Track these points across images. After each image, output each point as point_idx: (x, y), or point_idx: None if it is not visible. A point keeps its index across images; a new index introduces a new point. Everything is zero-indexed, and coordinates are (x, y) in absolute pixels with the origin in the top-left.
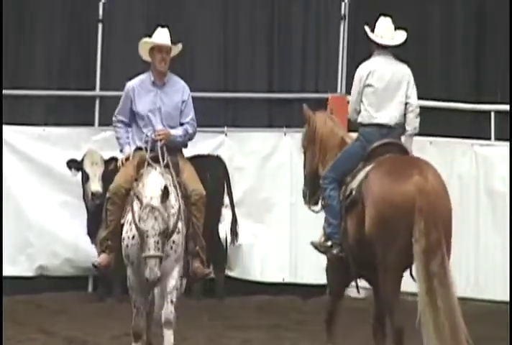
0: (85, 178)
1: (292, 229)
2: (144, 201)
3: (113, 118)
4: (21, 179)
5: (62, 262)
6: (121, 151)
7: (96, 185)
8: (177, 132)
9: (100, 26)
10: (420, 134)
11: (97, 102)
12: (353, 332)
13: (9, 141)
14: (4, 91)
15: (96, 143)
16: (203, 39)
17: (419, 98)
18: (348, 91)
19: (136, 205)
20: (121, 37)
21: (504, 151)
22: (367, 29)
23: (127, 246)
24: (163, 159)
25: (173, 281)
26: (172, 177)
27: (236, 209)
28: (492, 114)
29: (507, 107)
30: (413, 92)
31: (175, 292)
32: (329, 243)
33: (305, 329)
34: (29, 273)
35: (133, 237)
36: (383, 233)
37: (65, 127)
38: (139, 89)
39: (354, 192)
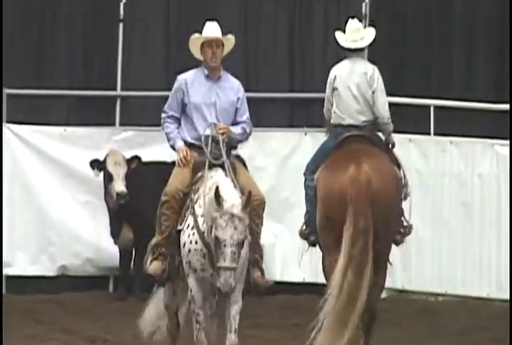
0: (109, 178)
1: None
2: (225, 207)
3: (163, 114)
4: (42, 179)
5: (83, 262)
6: (172, 147)
7: (120, 185)
8: (237, 130)
9: (121, 26)
10: (440, 133)
11: (118, 102)
12: (375, 333)
13: (30, 141)
14: (26, 91)
15: (117, 143)
16: None
17: (440, 97)
18: None
19: (198, 208)
20: (142, 36)
21: None
22: (337, 34)
23: (189, 251)
24: (224, 158)
25: (236, 306)
26: (232, 180)
27: None
28: (510, 113)
29: None
30: (379, 97)
31: (238, 318)
32: (307, 231)
33: None
34: (51, 273)
35: (196, 242)
36: (322, 219)
37: (86, 127)
38: (192, 81)
39: (314, 182)
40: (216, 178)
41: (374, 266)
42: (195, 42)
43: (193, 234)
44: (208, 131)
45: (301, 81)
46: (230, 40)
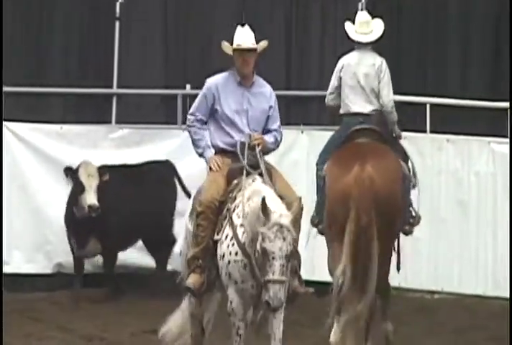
0: (80, 189)
1: (308, 226)
2: (272, 218)
3: (190, 117)
4: (38, 177)
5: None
6: (200, 155)
7: (92, 198)
8: (270, 139)
9: (117, 24)
10: (437, 131)
11: (114, 100)
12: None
13: (26, 138)
14: (22, 89)
15: (113, 141)
16: (221, 38)
17: (436, 95)
18: None
19: (236, 218)
20: (138, 34)
21: None
22: (347, 25)
23: (229, 262)
24: (260, 167)
25: (279, 315)
26: (272, 187)
27: None
28: (509, 111)
29: None
30: (385, 87)
31: (281, 327)
32: (317, 220)
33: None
34: (47, 270)
35: (236, 253)
36: (328, 216)
37: (83, 125)
38: (223, 87)
39: (324, 172)
40: (256, 186)
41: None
42: (226, 49)
43: (233, 245)
44: (243, 139)
45: (298, 79)
46: (262, 46)
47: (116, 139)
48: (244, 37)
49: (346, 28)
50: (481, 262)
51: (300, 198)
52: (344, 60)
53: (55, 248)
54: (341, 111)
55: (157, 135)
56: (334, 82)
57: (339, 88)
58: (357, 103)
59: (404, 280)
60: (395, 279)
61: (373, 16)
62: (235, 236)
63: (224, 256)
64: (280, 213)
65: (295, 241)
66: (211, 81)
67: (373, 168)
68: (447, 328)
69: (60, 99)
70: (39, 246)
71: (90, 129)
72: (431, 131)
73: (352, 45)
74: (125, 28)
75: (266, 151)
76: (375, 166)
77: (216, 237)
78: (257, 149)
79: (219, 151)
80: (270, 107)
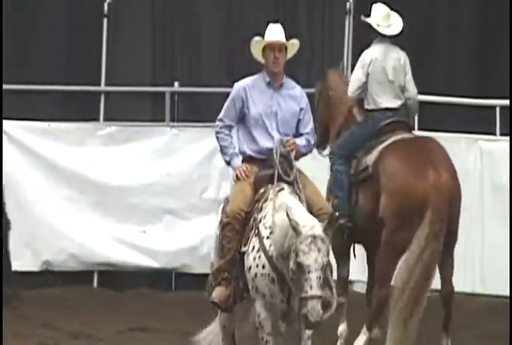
0: None
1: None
2: (303, 232)
3: (218, 123)
4: (25, 174)
5: (67, 257)
6: (228, 163)
7: None
8: (302, 142)
9: (105, 21)
10: (425, 129)
11: (102, 97)
12: (357, 329)
13: (14, 136)
14: (10, 86)
15: (101, 138)
16: (209, 35)
17: (424, 93)
18: None
19: (263, 230)
20: (126, 32)
21: (509, 145)
22: (368, 19)
23: (255, 275)
24: (290, 175)
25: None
26: (299, 195)
27: None
28: (498, 109)
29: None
30: (410, 81)
31: (310, 341)
32: (337, 213)
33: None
34: (35, 268)
35: (263, 267)
36: (397, 217)
37: (71, 122)
38: (251, 89)
39: (370, 169)
40: (283, 198)
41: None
42: (256, 46)
43: (259, 257)
44: (275, 146)
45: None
46: (295, 45)
47: (104, 137)
48: (275, 33)
49: (369, 21)
50: (468, 260)
51: (333, 213)
52: (370, 55)
53: (42, 245)
54: (369, 107)
55: (145, 133)
56: (361, 77)
57: (366, 83)
58: (386, 98)
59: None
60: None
61: (361, 11)
62: (262, 247)
63: (250, 268)
64: (310, 224)
65: (328, 257)
66: (240, 84)
67: (447, 173)
68: (436, 326)
69: (48, 96)
70: (26, 243)
71: (77, 127)
72: (419, 129)
73: (339, 44)
74: (113, 26)
75: (299, 156)
76: (447, 170)
77: (243, 249)
78: (291, 156)
79: (247, 158)
80: (301, 109)
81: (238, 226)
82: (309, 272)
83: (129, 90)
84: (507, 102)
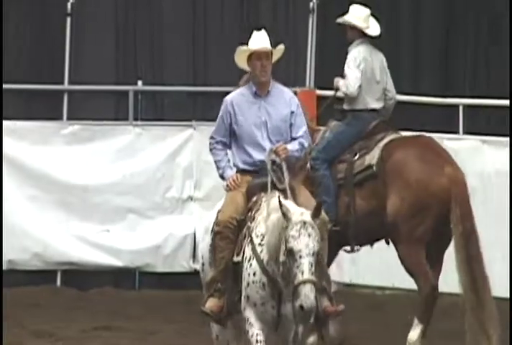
0: None
1: None
2: (293, 218)
3: (211, 140)
4: None
5: (31, 257)
6: (221, 176)
7: None
8: (294, 146)
9: (68, 20)
10: None
11: (65, 96)
12: None
13: None
14: None
15: (65, 137)
16: (172, 34)
17: None
18: (317, 85)
19: (255, 238)
20: (89, 31)
21: (473, 144)
22: (350, 20)
23: (248, 285)
24: (283, 183)
25: (312, 336)
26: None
27: (204, 203)
28: (461, 108)
29: (475, 101)
30: (390, 81)
31: None
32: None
33: None
34: None
35: (254, 274)
36: (416, 214)
37: (34, 121)
38: (239, 102)
39: (374, 168)
40: (274, 204)
41: None
42: (241, 54)
43: (251, 266)
44: (266, 156)
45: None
46: (280, 50)
47: (68, 135)
48: (259, 41)
49: (351, 22)
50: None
51: (320, 204)
52: (360, 55)
53: (6, 244)
54: (357, 106)
55: (108, 131)
56: (358, 75)
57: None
58: (373, 99)
59: (356, 276)
60: (346, 275)
61: (324, 14)
62: (255, 255)
63: (243, 278)
64: (300, 211)
65: (323, 258)
66: (227, 98)
67: (459, 169)
68: (398, 323)
69: (12, 95)
70: None
71: (41, 125)
72: None
73: (303, 44)
74: (76, 24)
75: (292, 160)
76: (458, 167)
77: (236, 258)
78: (283, 164)
79: (240, 171)
80: (292, 113)
81: (230, 235)
82: (300, 257)
83: (93, 89)
84: (470, 101)
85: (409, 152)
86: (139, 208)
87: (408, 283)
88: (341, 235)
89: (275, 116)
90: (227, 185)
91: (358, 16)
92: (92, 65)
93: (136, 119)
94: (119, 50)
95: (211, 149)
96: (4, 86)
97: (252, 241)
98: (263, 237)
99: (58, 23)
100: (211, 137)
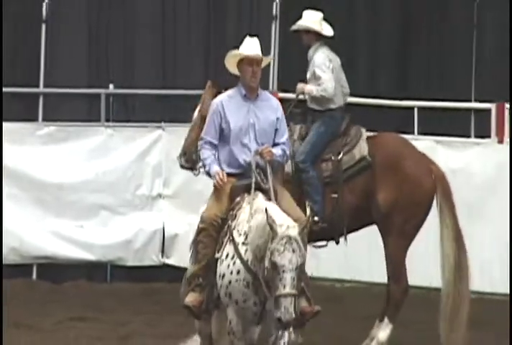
0: None
1: None
2: (279, 232)
3: (200, 141)
4: None
5: (7, 251)
6: (207, 173)
7: None
8: (278, 151)
9: (43, 25)
10: None
11: (41, 99)
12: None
13: None
14: None
15: (41, 138)
16: (143, 38)
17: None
18: (279, 88)
19: (237, 236)
20: (64, 36)
21: (428, 144)
22: (305, 24)
23: (229, 282)
24: (267, 183)
25: (289, 335)
26: (274, 203)
27: (173, 200)
28: (416, 110)
29: (429, 103)
30: (344, 78)
31: None
32: (316, 218)
33: None
34: None
35: (238, 272)
36: (408, 207)
37: (11, 122)
38: (228, 104)
39: (368, 158)
40: (259, 203)
41: None
42: (232, 59)
43: (234, 264)
44: (252, 157)
45: (215, 78)
46: (267, 60)
47: (44, 136)
48: (251, 47)
49: (306, 25)
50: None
51: (308, 217)
52: (327, 57)
53: None
54: (334, 106)
55: (82, 132)
56: (331, 76)
57: None
58: (339, 97)
59: (316, 270)
60: (306, 268)
61: (287, 15)
62: (237, 254)
63: (224, 276)
64: (287, 224)
65: (303, 258)
66: (216, 100)
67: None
68: (358, 315)
69: None
70: None
71: (18, 126)
72: None
73: (265, 48)
74: (51, 29)
75: (275, 165)
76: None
77: (216, 255)
78: (268, 166)
79: (227, 174)
80: (278, 119)
81: (214, 233)
82: (283, 271)
83: (67, 92)
84: (424, 103)
85: (398, 149)
86: (111, 204)
87: (368, 276)
88: (325, 231)
89: (263, 119)
90: (214, 185)
91: (312, 20)
92: (66, 68)
93: (108, 121)
94: (91, 55)
95: (199, 149)
96: None
97: (233, 239)
98: (246, 236)
99: (33, 27)
100: (201, 138)
